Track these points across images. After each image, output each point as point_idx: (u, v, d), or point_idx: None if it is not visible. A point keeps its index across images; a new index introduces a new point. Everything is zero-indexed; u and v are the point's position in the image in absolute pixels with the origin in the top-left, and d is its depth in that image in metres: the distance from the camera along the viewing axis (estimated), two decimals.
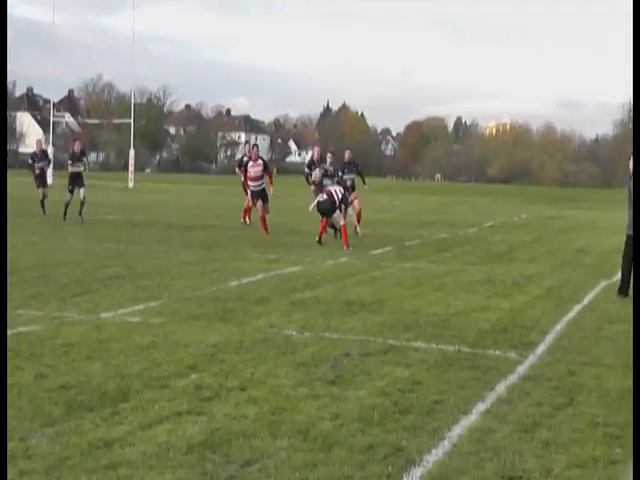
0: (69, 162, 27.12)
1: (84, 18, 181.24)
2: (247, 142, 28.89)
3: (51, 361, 8.54)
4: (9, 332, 9.69)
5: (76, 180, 26.60)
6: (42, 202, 28.70)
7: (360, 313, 11.89)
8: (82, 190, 26.49)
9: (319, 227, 21.39)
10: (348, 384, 8.08)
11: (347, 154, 25.66)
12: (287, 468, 5.87)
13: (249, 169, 24.08)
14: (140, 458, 5.95)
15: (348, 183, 23.85)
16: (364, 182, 25.80)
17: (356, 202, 24.38)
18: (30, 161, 30.18)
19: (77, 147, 27.48)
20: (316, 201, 21.52)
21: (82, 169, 27.05)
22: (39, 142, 32.69)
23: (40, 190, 29.03)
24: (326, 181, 22.60)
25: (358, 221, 24.14)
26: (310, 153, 27.39)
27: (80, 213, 26.03)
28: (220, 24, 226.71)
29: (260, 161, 24.17)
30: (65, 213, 26.37)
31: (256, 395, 7.57)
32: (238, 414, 6.99)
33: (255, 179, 24.06)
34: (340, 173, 23.94)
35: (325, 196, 21.22)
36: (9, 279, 13.38)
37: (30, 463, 5.80)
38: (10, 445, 6.07)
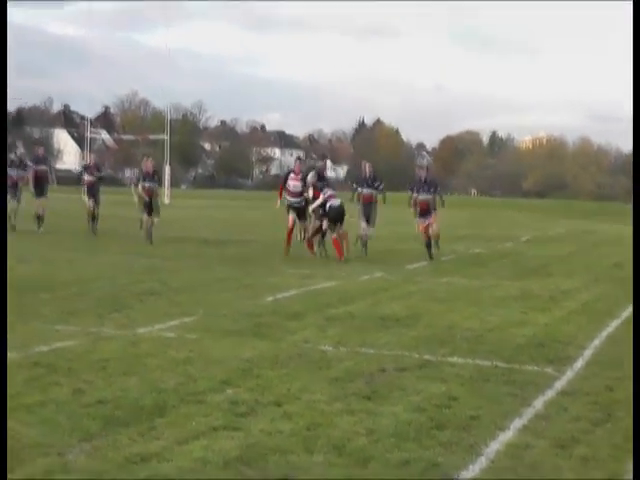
0: (138, 181, 25.16)
1: (118, 35, 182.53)
2: (299, 158, 26.85)
3: (88, 376, 8.59)
4: (46, 348, 9.83)
5: (151, 203, 24.56)
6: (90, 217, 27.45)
7: (395, 328, 11.87)
8: (156, 220, 24.64)
9: (336, 249, 21.13)
10: (383, 399, 8.07)
11: (423, 172, 22.74)
12: None
13: (289, 182, 22.75)
14: (177, 473, 5.97)
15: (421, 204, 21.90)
16: (442, 204, 22.44)
17: (435, 226, 22.03)
18: (80, 170, 28.60)
19: (149, 166, 25.24)
20: (328, 206, 21.11)
21: (156, 188, 25.21)
22: (93, 156, 31.02)
23: (90, 203, 27.37)
24: (320, 184, 21.85)
25: (436, 241, 22.35)
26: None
27: (151, 241, 24.13)
28: (252, 39, 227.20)
29: (301, 175, 23.19)
30: (150, 235, 24.29)
31: (291, 410, 7.58)
32: (274, 429, 7.00)
33: (294, 194, 22.71)
34: (415, 194, 22.04)
35: (339, 201, 21.20)
36: (45, 295, 13.59)
37: (68, 478, 5.84)
38: (48, 460, 6.12)
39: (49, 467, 6.00)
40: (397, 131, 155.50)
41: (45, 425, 6.93)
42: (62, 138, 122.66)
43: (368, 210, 22.90)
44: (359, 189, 23.18)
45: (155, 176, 25.89)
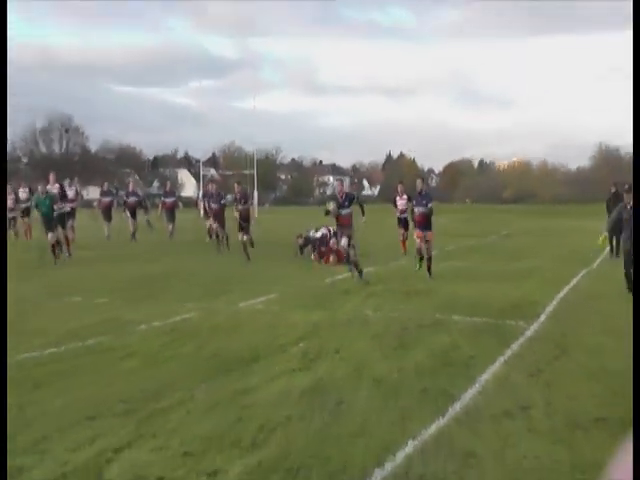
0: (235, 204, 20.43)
1: (221, 101, 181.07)
2: (401, 182, 22.37)
3: (205, 338, 8.73)
4: (176, 319, 9.94)
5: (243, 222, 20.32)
6: (216, 235, 23.12)
7: (415, 298, 11.87)
8: (246, 237, 20.00)
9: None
10: (408, 348, 8.10)
11: (420, 184, 15.84)
12: (364, 408, 5.93)
13: (397, 202, 21.14)
14: (266, 400, 6.06)
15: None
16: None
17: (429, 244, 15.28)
18: (199, 197, 24.07)
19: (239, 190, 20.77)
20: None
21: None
22: (212, 184, 24.83)
23: (210, 222, 23.47)
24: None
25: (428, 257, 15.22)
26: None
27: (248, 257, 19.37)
28: (313, 100, 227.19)
29: (405, 196, 21.02)
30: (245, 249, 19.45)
31: (345, 356, 7.64)
32: (333, 369, 7.07)
33: (402, 211, 20.89)
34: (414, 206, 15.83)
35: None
36: (177, 282, 13.75)
37: (194, 406, 5.96)
38: (180, 394, 6.24)
39: (182, 399, 6.13)
40: (414, 160, 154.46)
41: (178, 371, 7.08)
42: (184, 175, 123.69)
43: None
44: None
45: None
